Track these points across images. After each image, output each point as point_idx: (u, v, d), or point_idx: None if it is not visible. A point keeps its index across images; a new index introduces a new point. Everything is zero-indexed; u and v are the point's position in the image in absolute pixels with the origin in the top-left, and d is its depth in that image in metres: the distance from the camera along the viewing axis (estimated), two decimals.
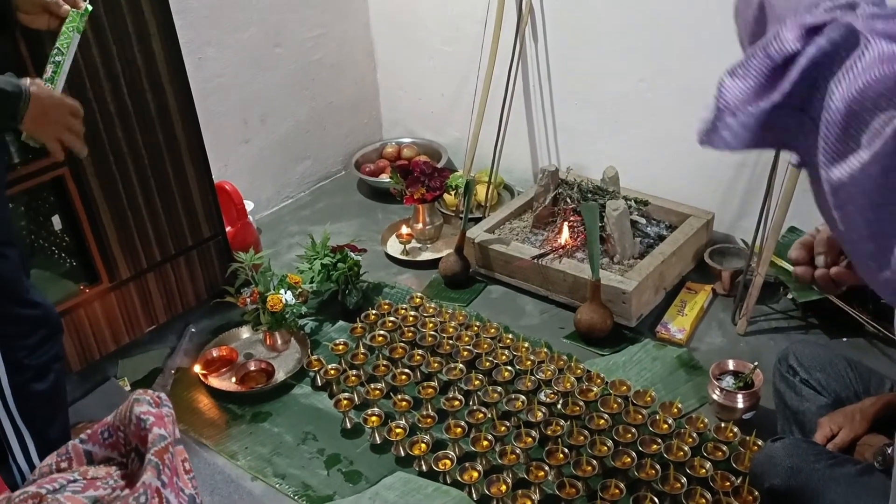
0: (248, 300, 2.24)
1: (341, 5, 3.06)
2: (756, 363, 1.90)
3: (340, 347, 2.21)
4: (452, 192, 2.78)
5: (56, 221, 2.02)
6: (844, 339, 2.14)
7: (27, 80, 1.38)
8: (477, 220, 2.66)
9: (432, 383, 2.04)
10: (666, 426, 1.82)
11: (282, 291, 2.23)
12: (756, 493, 1.63)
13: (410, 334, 2.23)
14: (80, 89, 1.90)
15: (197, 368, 2.20)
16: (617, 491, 1.68)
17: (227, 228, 2.45)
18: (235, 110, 2.81)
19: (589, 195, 2.46)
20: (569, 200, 2.49)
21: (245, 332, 2.35)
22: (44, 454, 1.65)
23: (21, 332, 1.59)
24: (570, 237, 2.40)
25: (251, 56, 2.79)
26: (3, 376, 1.56)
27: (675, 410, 1.88)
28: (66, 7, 1.50)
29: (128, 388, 2.17)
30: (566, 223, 2.44)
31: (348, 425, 2.00)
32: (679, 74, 2.42)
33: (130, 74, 2.00)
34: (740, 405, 1.88)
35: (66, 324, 2.04)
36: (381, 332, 2.25)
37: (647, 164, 2.60)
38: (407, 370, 2.09)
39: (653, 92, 2.50)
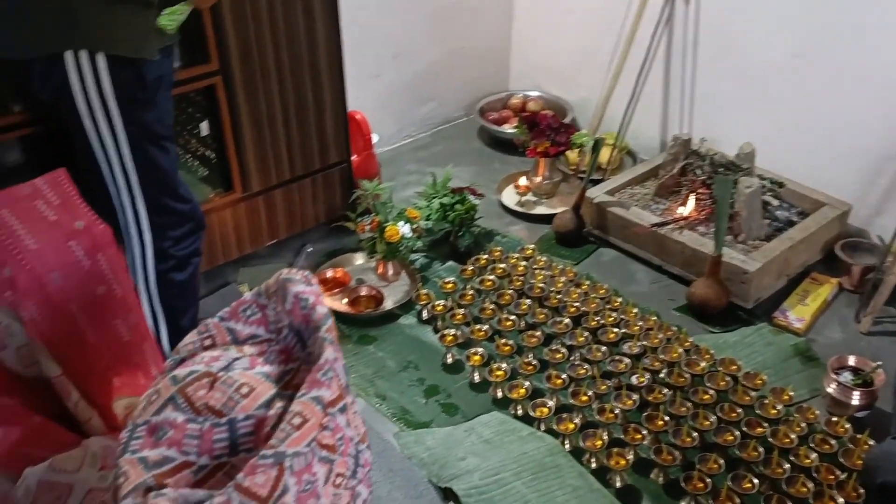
0: (367, 228, 2.30)
1: None
2: (880, 363, 1.82)
3: (449, 286, 2.25)
4: (576, 151, 2.75)
5: (203, 127, 2.12)
6: None
7: None
8: (596, 182, 2.62)
9: (536, 333, 2.05)
10: (774, 411, 1.77)
11: (400, 224, 2.28)
12: (861, 490, 1.57)
13: (519, 283, 2.24)
14: (240, 4, 1.97)
15: None
16: (716, 466, 1.66)
17: (353, 157, 2.51)
18: (371, 44, 2.85)
19: (721, 169, 2.38)
20: (698, 172, 2.42)
21: (358, 259, 2.42)
22: (174, 340, 1.77)
23: (170, 223, 1.70)
24: (695, 209, 2.34)
25: None
26: (150, 261, 1.67)
27: (786, 397, 1.83)
28: None
29: (246, 293, 2.28)
30: (693, 195, 2.38)
31: (450, 360, 2.04)
32: (838, 54, 2.29)
33: None
34: (855, 402, 1.81)
35: None
36: (490, 277, 2.27)
37: (787, 144, 2.49)
38: (512, 317, 2.11)
39: (806, 69, 2.38)
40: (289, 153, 2.28)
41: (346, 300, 2.24)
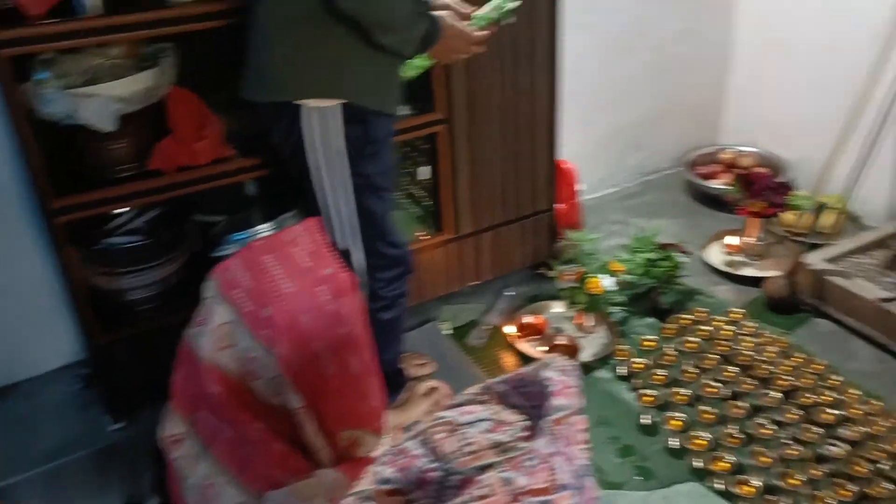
0: (570, 277, 2.32)
1: (708, 3, 2.98)
2: None
3: (649, 343, 2.21)
4: (794, 212, 2.61)
5: (423, 172, 2.26)
6: None
7: (444, 15, 1.64)
8: (815, 247, 2.47)
9: (742, 404, 1.96)
10: None
11: (603, 276, 2.28)
12: None
13: (724, 348, 2.16)
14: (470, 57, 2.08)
15: (509, 329, 2.34)
16: None
17: (558, 205, 2.55)
18: (587, 93, 2.89)
19: None
20: None
21: (556, 307, 2.44)
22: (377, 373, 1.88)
23: (382, 266, 1.82)
24: None
25: (614, 42, 2.84)
26: (364, 302, 1.79)
27: None
28: None
29: (446, 331, 2.38)
30: None
31: (647, 422, 2.01)
32: None
33: (514, 48, 2.15)
34: None
35: None
36: (693, 338, 2.21)
37: None
38: (716, 383, 2.03)
39: None
40: (502, 198, 2.36)
41: (542, 347, 2.27)
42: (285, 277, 1.31)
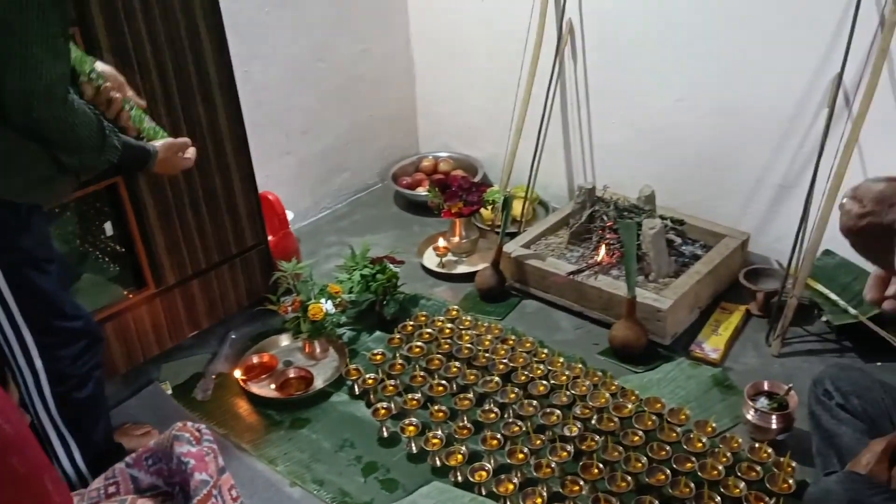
0: (290, 308, 2.29)
1: (384, 22, 3.13)
2: (791, 385, 1.91)
3: (378, 357, 2.25)
4: (489, 207, 2.82)
5: (108, 228, 2.09)
6: (879, 363, 2.14)
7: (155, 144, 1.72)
8: (513, 235, 2.69)
9: (468, 395, 2.07)
10: (700, 444, 1.84)
11: (322, 301, 2.28)
12: None
13: (447, 346, 2.27)
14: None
15: (237, 374, 2.25)
16: None
17: (269, 237, 2.51)
18: (278, 123, 2.89)
19: (625, 213, 2.49)
20: (605, 218, 2.52)
21: (284, 340, 2.40)
22: (88, 458, 1.71)
23: (62, 343, 1.63)
24: (607, 254, 2.43)
25: (296, 70, 2.86)
26: (45, 386, 1.61)
27: (710, 429, 1.90)
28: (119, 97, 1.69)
29: (169, 391, 2.24)
30: (602, 240, 2.47)
31: (385, 434, 2.04)
32: (717, 94, 2.44)
33: (183, 86, 2.07)
34: (774, 426, 1.89)
35: (113, 328, 2.11)
36: (418, 343, 2.29)
37: (683, 183, 2.63)
38: (443, 381, 2.13)
39: (691, 111, 2.53)
40: (202, 242, 2.27)
41: (273, 385, 2.22)
42: None
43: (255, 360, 2.31)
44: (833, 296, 2.22)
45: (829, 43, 2.16)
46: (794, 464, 1.75)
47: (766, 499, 1.69)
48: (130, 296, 2.17)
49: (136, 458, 1.16)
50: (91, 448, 1.73)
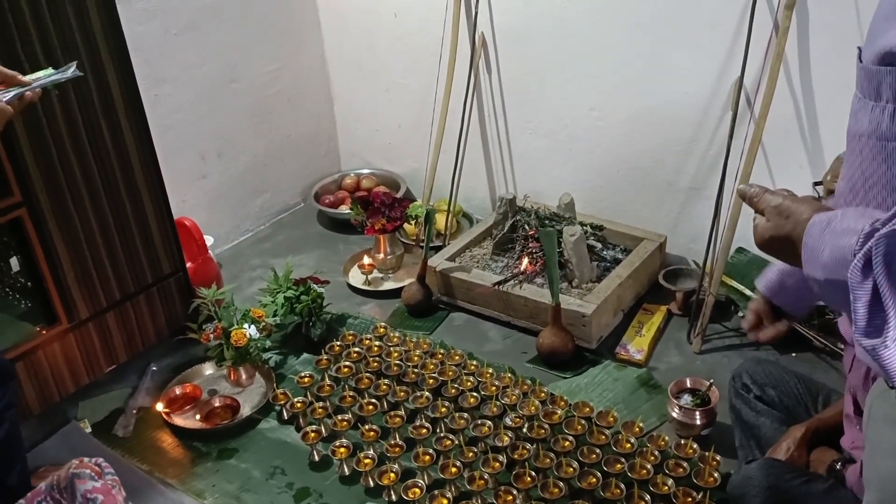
0: (212, 336, 2.23)
1: (297, 40, 3.10)
2: (712, 380, 1.96)
3: (306, 380, 2.21)
4: (412, 222, 2.82)
5: (14, 263, 2.00)
6: (794, 355, 2.22)
7: None
8: (438, 249, 2.69)
9: (399, 412, 2.06)
10: (629, 445, 1.87)
11: (245, 326, 2.23)
12: None
13: (376, 364, 2.25)
14: (36, 127, 1.90)
15: (160, 407, 2.18)
16: None
17: (188, 264, 2.44)
18: (192, 146, 2.82)
19: (546, 221, 2.52)
20: (527, 227, 2.55)
21: (208, 369, 2.34)
22: (6, 501, 1.62)
23: None
24: (530, 263, 2.45)
25: (208, 92, 2.80)
26: None
27: (637, 429, 1.93)
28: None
29: (88, 429, 2.14)
30: (525, 249, 2.50)
31: (316, 458, 2.00)
32: (627, 102, 2.51)
33: (87, 113, 2.00)
34: (698, 422, 1.94)
35: (25, 366, 2.01)
36: (347, 363, 2.26)
37: (601, 189, 2.68)
38: (373, 400, 2.11)
39: (604, 120, 2.59)
40: (116, 272, 2.19)
41: (198, 416, 2.15)
42: None
43: (178, 391, 2.23)
44: (748, 291, 2.30)
45: (729, 47, 2.25)
46: (718, 457, 1.80)
47: (694, 494, 1.73)
48: (42, 332, 2.07)
49: (41, 493, 1.10)
50: (7, 492, 1.64)
